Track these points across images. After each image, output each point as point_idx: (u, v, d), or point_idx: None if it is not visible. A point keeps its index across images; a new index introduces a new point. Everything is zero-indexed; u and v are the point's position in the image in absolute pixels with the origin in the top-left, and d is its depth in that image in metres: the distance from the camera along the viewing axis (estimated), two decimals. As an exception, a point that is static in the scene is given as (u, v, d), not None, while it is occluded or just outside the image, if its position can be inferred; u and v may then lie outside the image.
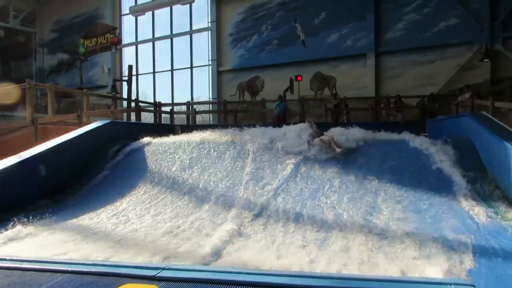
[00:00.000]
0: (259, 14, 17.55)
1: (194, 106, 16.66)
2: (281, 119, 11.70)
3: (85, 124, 8.69)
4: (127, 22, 21.45)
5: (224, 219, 4.88)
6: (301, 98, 14.13)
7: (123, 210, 5.50)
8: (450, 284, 2.33)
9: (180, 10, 19.58)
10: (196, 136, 7.60)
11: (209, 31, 18.76)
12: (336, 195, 5.21)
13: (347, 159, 6.09)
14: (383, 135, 6.78)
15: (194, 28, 19.59)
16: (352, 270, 3.39)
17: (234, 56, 18.19)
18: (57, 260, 3.04)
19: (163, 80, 20.52)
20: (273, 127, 7.71)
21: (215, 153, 6.84)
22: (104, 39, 16.62)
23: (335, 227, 4.43)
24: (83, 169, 6.94)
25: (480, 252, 3.52)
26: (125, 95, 14.79)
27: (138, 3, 20.45)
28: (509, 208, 4.42)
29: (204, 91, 19.29)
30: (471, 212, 4.43)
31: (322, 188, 5.43)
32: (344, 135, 6.54)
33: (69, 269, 2.62)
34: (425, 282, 2.56)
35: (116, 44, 17.03)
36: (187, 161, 6.78)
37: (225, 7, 18.38)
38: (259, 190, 5.58)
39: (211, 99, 18.56)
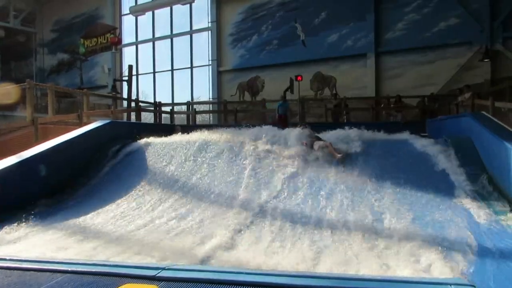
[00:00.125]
0: (259, 14, 17.55)
1: (194, 106, 16.66)
2: (283, 119, 11.69)
3: (85, 124, 8.69)
4: (127, 22, 21.46)
5: (224, 219, 4.88)
6: (301, 98, 14.13)
7: (123, 210, 5.50)
8: (450, 284, 2.33)
9: (180, 10, 19.59)
10: (196, 136, 7.59)
11: (209, 31, 18.75)
12: (336, 195, 5.21)
13: (346, 159, 6.07)
14: (382, 135, 6.77)
15: (194, 28, 19.58)
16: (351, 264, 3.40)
17: (234, 56, 18.19)
18: (57, 260, 3.03)
19: (163, 80, 20.53)
20: (277, 127, 7.68)
21: (215, 153, 6.84)
22: (104, 39, 16.62)
23: (336, 227, 4.43)
24: (83, 169, 6.94)
25: (480, 252, 3.52)
26: (125, 95, 14.79)
27: (138, 3, 20.45)
28: (509, 208, 4.42)
29: (204, 91, 19.31)
30: (471, 212, 4.43)
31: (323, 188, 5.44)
32: (343, 139, 6.48)
33: (69, 269, 2.62)
34: (425, 282, 2.56)
35: (116, 44, 17.03)
36: (187, 161, 6.78)
37: (225, 7, 18.38)
38: (259, 191, 5.58)
39: (211, 99, 18.56)
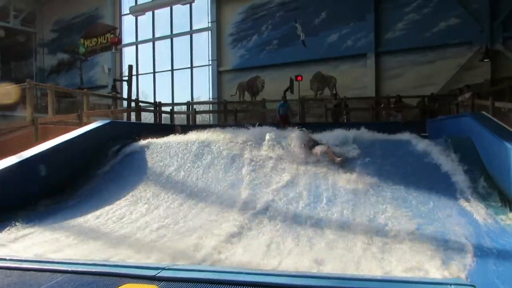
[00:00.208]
0: (259, 14, 17.56)
1: (194, 106, 16.68)
2: (285, 119, 11.71)
3: (85, 124, 8.69)
4: (127, 22, 21.49)
5: (225, 219, 4.87)
6: (301, 98, 14.15)
7: (123, 210, 5.49)
8: (450, 284, 2.33)
9: (180, 10, 19.60)
10: (196, 136, 7.58)
11: (209, 31, 18.76)
12: (336, 196, 5.21)
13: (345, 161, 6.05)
14: (381, 136, 6.77)
15: (194, 28, 19.60)
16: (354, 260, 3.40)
17: (234, 56, 18.19)
18: (57, 260, 3.03)
19: (163, 80, 20.54)
20: (277, 127, 7.65)
21: (215, 153, 6.83)
22: (104, 39, 16.64)
23: (337, 226, 4.43)
24: (83, 169, 6.94)
25: (480, 252, 3.51)
26: (125, 95, 14.80)
27: (138, 3, 20.46)
28: (509, 208, 4.42)
29: (204, 91, 19.33)
30: (470, 212, 4.43)
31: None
32: (343, 140, 6.43)
33: (69, 269, 2.62)
34: (425, 282, 2.56)
35: (116, 44, 17.05)
36: (188, 161, 6.77)
37: (225, 7, 18.39)
38: (260, 190, 5.57)
39: (211, 99, 18.57)
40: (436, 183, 5.23)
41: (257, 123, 7.73)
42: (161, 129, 9.55)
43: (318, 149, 6.21)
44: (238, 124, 10.16)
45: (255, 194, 5.39)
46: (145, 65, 21.07)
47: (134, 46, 21.41)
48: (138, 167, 6.92)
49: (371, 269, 3.40)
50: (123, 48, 21.17)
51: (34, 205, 5.54)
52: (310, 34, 16.38)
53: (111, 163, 7.17)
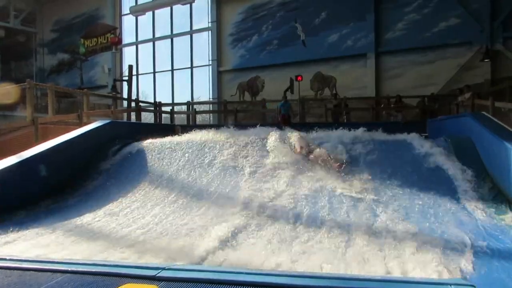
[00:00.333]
0: (260, 14, 17.56)
1: (194, 106, 16.67)
2: (286, 119, 11.72)
3: (85, 124, 8.69)
4: (127, 22, 21.48)
5: (225, 219, 4.87)
6: (301, 98, 14.15)
7: (123, 210, 5.49)
8: (450, 284, 2.33)
9: (180, 10, 19.60)
10: (196, 136, 7.58)
11: (209, 31, 18.76)
12: (336, 195, 5.21)
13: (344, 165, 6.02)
14: (381, 136, 6.76)
15: (194, 28, 19.60)
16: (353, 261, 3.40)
17: (234, 56, 18.19)
18: (57, 260, 3.03)
19: (163, 80, 20.54)
20: (277, 127, 7.64)
21: (216, 153, 6.83)
22: (105, 39, 16.65)
23: (337, 226, 4.43)
24: (83, 169, 6.94)
25: (480, 252, 3.52)
26: (125, 95, 14.81)
27: (139, 3, 20.45)
28: (509, 208, 4.43)
29: (204, 91, 19.33)
30: (470, 212, 4.43)
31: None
32: (342, 143, 6.39)
33: (69, 269, 2.62)
34: (425, 282, 2.56)
35: (116, 44, 17.06)
36: (188, 161, 6.77)
37: (225, 7, 18.39)
38: (260, 190, 5.58)
39: (211, 99, 18.57)
40: (436, 183, 5.24)
41: (258, 124, 7.74)
42: (161, 129, 9.56)
43: (316, 154, 6.13)
44: (238, 124, 10.17)
45: (255, 195, 5.39)
46: (145, 65, 21.10)
47: (134, 46, 21.41)
48: (138, 167, 6.92)
49: (371, 269, 3.41)
50: (123, 48, 21.17)
51: (34, 205, 5.54)
52: (310, 34, 16.38)
53: (111, 163, 7.17)
